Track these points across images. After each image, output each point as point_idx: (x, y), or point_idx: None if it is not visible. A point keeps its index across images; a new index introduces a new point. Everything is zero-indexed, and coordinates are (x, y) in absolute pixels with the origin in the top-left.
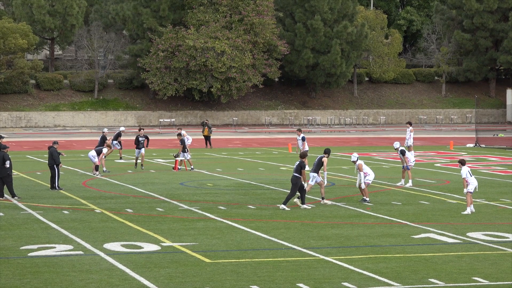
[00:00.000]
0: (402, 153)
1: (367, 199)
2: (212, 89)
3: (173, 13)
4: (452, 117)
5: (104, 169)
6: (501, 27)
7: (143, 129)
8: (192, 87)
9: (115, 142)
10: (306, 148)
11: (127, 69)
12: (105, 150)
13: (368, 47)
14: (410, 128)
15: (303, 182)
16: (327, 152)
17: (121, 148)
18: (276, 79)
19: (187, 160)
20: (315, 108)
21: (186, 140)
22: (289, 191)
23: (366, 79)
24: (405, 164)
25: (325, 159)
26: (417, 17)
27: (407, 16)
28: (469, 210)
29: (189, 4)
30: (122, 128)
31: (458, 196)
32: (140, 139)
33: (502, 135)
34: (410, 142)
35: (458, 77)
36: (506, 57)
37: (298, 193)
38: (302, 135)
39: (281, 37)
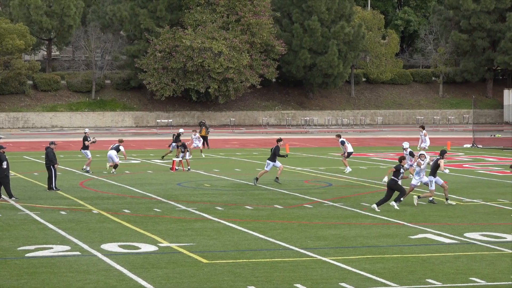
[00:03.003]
0: (411, 154)
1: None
2: (210, 90)
3: (170, 13)
4: (449, 117)
5: (88, 168)
6: (498, 27)
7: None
8: (189, 87)
9: (174, 144)
10: (350, 150)
11: (124, 69)
12: (121, 148)
13: (365, 48)
14: (424, 131)
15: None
16: (442, 154)
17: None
18: (274, 80)
19: (186, 160)
20: (312, 108)
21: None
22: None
23: (364, 79)
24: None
25: (441, 161)
26: (414, 17)
27: (404, 17)
28: None
29: (186, 4)
30: (181, 130)
31: (455, 197)
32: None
33: (500, 135)
34: (424, 145)
35: (455, 77)
36: (503, 57)
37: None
38: (340, 139)
39: (278, 37)
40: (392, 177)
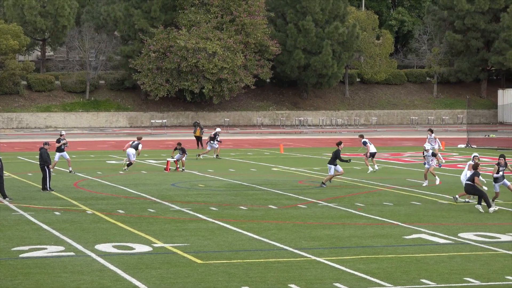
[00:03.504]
0: (434, 155)
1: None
2: (204, 90)
3: (164, 14)
4: (443, 117)
5: (70, 169)
6: (493, 28)
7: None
8: (183, 88)
9: (212, 142)
10: (372, 150)
11: (118, 70)
12: (140, 146)
13: (359, 48)
14: (433, 135)
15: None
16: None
17: (217, 148)
18: (268, 80)
19: (181, 161)
20: (306, 109)
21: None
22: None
23: (358, 79)
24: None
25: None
26: (409, 17)
27: (398, 17)
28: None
29: (180, 5)
30: (218, 129)
31: (449, 197)
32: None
33: (494, 135)
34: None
35: (450, 77)
36: (498, 57)
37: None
38: (363, 139)
39: (273, 37)
40: (467, 182)
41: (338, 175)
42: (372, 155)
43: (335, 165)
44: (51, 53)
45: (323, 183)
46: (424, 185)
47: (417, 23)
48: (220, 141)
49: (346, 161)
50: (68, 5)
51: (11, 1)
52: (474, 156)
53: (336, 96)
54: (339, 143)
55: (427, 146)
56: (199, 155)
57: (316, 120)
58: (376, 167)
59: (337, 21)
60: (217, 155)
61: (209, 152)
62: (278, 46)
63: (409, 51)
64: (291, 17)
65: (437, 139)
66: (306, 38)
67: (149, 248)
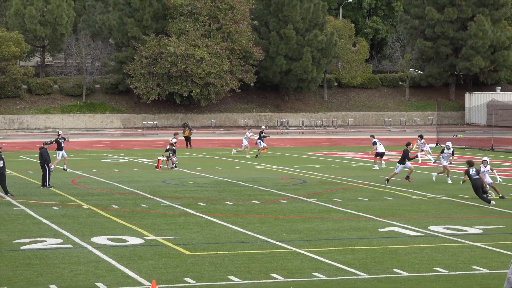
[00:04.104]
0: (453, 153)
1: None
2: (192, 94)
3: (155, 22)
4: (415, 119)
5: (65, 167)
6: (460, 35)
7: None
8: (173, 91)
9: (259, 140)
10: (380, 150)
11: (113, 74)
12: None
13: (337, 54)
14: (423, 140)
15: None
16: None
17: (265, 147)
18: (252, 84)
19: (171, 160)
20: (288, 111)
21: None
22: None
23: (335, 84)
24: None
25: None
26: (383, 26)
27: (373, 25)
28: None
29: (170, 14)
30: (263, 127)
31: (420, 192)
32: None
33: (461, 135)
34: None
35: (421, 82)
36: (465, 63)
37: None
38: (373, 139)
39: (257, 44)
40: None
41: (410, 172)
42: (380, 155)
43: (404, 164)
44: (50, 59)
45: (387, 180)
46: (449, 182)
47: (390, 31)
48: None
49: (413, 158)
50: (66, 14)
51: (13, 11)
52: (484, 160)
53: (315, 99)
54: (408, 144)
55: (449, 144)
56: (241, 151)
57: (296, 122)
58: (383, 164)
59: (316, 30)
60: (257, 155)
61: (244, 150)
62: (262, 53)
63: (383, 57)
64: (273, 26)
65: (426, 144)
66: (288, 45)
67: (141, 240)
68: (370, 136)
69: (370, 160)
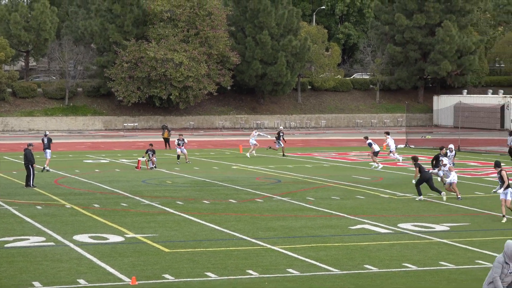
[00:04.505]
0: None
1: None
2: (171, 97)
3: (136, 28)
4: (385, 121)
5: (47, 167)
6: (429, 41)
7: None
8: (153, 94)
9: (278, 141)
10: (376, 149)
11: (94, 78)
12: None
13: (310, 59)
14: (389, 136)
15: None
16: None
17: (282, 146)
18: (229, 87)
19: (151, 160)
20: (263, 113)
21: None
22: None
23: (309, 87)
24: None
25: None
26: (354, 32)
27: (345, 31)
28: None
29: (150, 20)
30: (281, 127)
31: (390, 191)
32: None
33: (429, 136)
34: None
35: (391, 85)
36: (433, 67)
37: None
38: (368, 141)
39: (233, 49)
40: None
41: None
42: (376, 154)
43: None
44: (34, 63)
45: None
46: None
47: (361, 37)
48: (284, 141)
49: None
50: (50, 20)
51: None
52: (449, 147)
53: (289, 101)
54: (441, 148)
55: (451, 146)
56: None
57: (271, 123)
58: (378, 165)
59: (290, 35)
60: (283, 154)
61: (278, 149)
62: (238, 57)
63: (354, 62)
64: (249, 31)
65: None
66: (263, 50)
67: (121, 238)
68: (364, 137)
69: (341, 160)
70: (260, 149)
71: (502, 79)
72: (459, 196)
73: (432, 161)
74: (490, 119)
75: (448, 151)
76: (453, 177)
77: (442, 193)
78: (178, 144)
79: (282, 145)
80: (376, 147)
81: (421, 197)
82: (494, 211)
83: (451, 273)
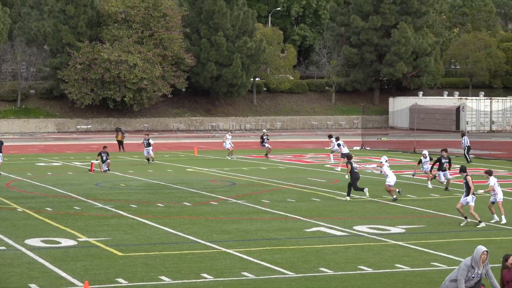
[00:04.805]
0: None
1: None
2: (125, 98)
3: (90, 29)
4: (340, 123)
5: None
6: (384, 42)
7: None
8: (107, 96)
9: (264, 144)
10: (344, 151)
11: (47, 80)
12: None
13: (266, 60)
14: (333, 139)
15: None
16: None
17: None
18: (183, 89)
19: (104, 163)
20: (218, 115)
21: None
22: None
23: (264, 89)
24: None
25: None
26: (310, 33)
27: (301, 33)
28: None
29: (104, 21)
30: (264, 130)
31: (345, 194)
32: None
33: (385, 138)
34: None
35: (346, 87)
36: (389, 69)
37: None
38: (337, 142)
39: (188, 51)
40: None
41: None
42: (343, 155)
43: (444, 170)
44: None
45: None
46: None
47: (317, 38)
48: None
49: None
50: (2, 21)
51: None
52: (423, 153)
53: (245, 103)
54: (444, 150)
55: (426, 152)
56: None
57: (227, 125)
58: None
59: (246, 36)
60: (266, 155)
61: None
62: (193, 59)
63: (310, 63)
64: (204, 33)
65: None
66: (218, 51)
67: (74, 242)
68: (335, 138)
69: (297, 162)
70: (223, 152)
71: (457, 81)
72: (394, 196)
73: (434, 163)
74: (445, 120)
75: (422, 157)
76: (390, 179)
77: (364, 189)
78: (147, 145)
79: (269, 146)
80: (345, 150)
81: (366, 189)
82: (449, 213)
83: (407, 275)
